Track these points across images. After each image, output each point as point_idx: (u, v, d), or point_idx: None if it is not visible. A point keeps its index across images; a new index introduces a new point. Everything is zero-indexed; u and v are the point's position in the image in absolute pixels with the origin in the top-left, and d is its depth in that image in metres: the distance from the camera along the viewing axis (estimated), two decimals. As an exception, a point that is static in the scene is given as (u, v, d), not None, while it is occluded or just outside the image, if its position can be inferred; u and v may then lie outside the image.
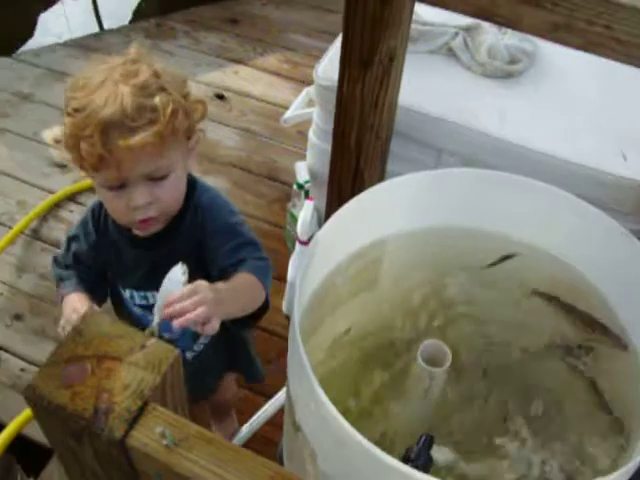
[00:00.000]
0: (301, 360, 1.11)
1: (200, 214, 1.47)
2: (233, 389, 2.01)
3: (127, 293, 1.57)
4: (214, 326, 1.22)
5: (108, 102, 1.23)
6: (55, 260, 1.56)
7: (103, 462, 0.84)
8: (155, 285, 1.51)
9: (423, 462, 1.23)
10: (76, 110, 1.26)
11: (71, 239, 1.54)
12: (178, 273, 1.27)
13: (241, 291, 1.39)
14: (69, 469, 0.95)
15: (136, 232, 1.46)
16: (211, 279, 1.46)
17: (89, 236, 1.51)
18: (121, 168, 1.26)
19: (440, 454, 1.38)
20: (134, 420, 0.77)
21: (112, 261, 1.53)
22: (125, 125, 1.23)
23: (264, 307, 1.46)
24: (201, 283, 1.25)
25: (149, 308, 1.51)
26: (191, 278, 1.48)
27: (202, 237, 1.46)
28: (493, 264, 1.54)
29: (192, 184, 1.48)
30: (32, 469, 2.00)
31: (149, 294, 1.55)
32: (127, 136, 1.22)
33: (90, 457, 0.85)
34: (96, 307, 1.36)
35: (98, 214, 1.50)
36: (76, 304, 1.41)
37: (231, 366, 1.84)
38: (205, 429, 0.77)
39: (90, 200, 1.60)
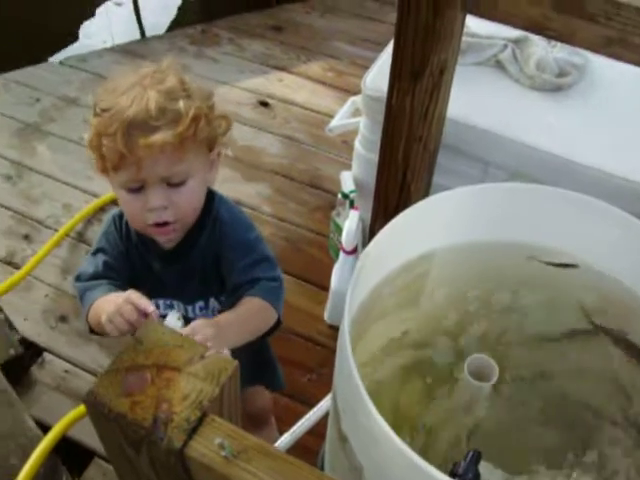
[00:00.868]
0: (351, 372, 1.10)
1: (219, 228, 1.48)
2: (264, 397, 2.01)
3: (152, 302, 1.57)
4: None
5: (134, 103, 1.26)
6: (78, 276, 1.52)
7: (159, 471, 0.85)
8: (179, 293, 1.55)
9: (471, 478, 1.22)
10: (103, 110, 1.29)
11: (97, 252, 1.52)
12: (173, 320, 1.28)
13: (248, 318, 1.42)
14: (123, 477, 0.96)
15: (158, 242, 1.47)
16: (225, 291, 1.51)
17: (117, 246, 1.51)
18: (140, 168, 1.28)
19: (487, 471, 1.37)
20: (193, 430, 0.78)
21: (137, 272, 1.54)
22: (147, 125, 1.25)
23: (276, 325, 1.48)
24: (198, 323, 1.26)
25: None
26: (209, 289, 1.54)
27: (220, 250, 1.48)
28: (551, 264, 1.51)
29: (211, 197, 1.49)
30: (74, 470, 2.03)
31: (174, 302, 1.57)
32: (148, 135, 1.25)
33: (146, 466, 0.86)
34: (136, 292, 1.29)
35: (120, 225, 1.51)
36: (114, 297, 1.32)
37: (253, 381, 1.85)
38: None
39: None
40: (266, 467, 0.76)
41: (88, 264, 1.51)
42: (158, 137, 1.25)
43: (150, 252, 1.50)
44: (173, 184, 1.33)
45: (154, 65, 1.38)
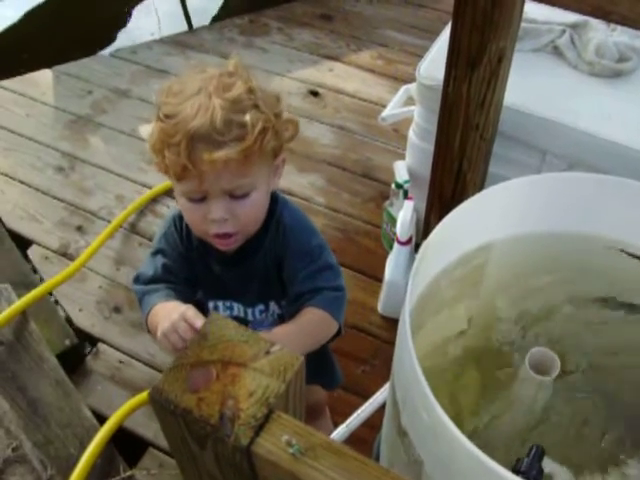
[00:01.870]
0: (412, 365, 1.09)
1: (281, 232, 1.44)
2: (319, 391, 2.00)
3: (211, 304, 1.57)
4: None
5: (199, 113, 1.21)
6: (137, 278, 1.49)
7: (224, 467, 0.85)
8: (239, 296, 1.53)
9: (535, 475, 1.20)
10: (167, 116, 1.25)
11: (156, 253, 1.50)
12: None
13: (308, 330, 1.39)
14: (186, 471, 0.95)
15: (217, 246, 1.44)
16: (287, 297, 1.49)
17: (176, 248, 1.49)
18: (203, 181, 1.24)
19: (550, 467, 1.35)
20: (260, 427, 0.77)
21: (197, 273, 1.52)
22: (212, 138, 1.21)
23: (336, 334, 1.46)
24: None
25: (233, 319, 1.50)
26: (270, 292, 1.51)
27: (282, 255, 1.45)
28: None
29: (275, 201, 1.45)
30: (130, 460, 2.04)
31: (235, 304, 1.55)
32: (212, 150, 1.20)
33: (211, 462, 0.85)
34: (193, 308, 1.25)
35: (180, 227, 1.48)
36: (171, 309, 1.28)
37: (311, 381, 1.81)
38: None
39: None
40: (334, 465, 0.75)
41: (147, 266, 1.49)
42: (222, 153, 1.20)
43: (211, 255, 1.48)
44: (236, 196, 1.30)
45: (220, 68, 1.32)
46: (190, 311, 1.21)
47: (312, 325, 1.40)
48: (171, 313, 1.23)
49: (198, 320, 1.19)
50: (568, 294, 1.59)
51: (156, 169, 1.33)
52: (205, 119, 1.21)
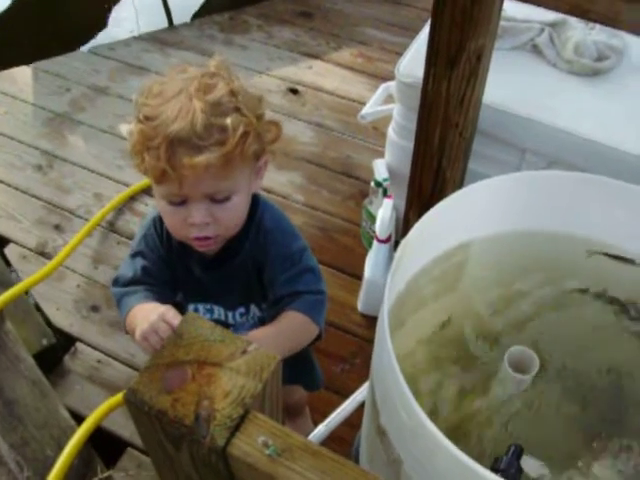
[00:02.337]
0: (392, 366, 1.08)
1: (262, 235, 1.43)
2: (300, 391, 2.00)
3: (192, 307, 1.55)
4: None
5: (179, 116, 1.19)
6: (116, 280, 1.47)
7: (200, 468, 0.84)
8: (220, 299, 1.52)
9: (513, 473, 1.20)
10: (147, 118, 1.22)
11: (136, 255, 1.48)
12: None
13: (287, 333, 1.37)
14: (162, 473, 0.94)
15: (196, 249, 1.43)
16: (267, 300, 1.48)
17: (156, 250, 1.47)
18: (183, 185, 1.22)
19: (529, 465, 1.35)
20: (236, 428, 0.76)
21: (178, 275, 1.50)
22: (192, 143, 1.18)
23: (316, 338, 1.45)
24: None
25: (213, 322, 1.49)
26: (251, 295, 1.50)
27: (263, 259, 1.43)
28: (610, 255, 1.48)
29: (256, 203, 1.44)
30: (108, 460, 2.02)
31: (215, 307, 1.54)
32: (192, 154, 1.18)
33: (187, 462, 0.84)
34: (172, 309, 1.23)
35: (160, 229, 1.46)
36: (150, 310, 1.26)
37: (292, 382, 1.81)
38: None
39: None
40: (311, 466, 0.74)
41: (126, 268, 1.47)
42: (202, 158, 1.18)
43: (191, 257, 1.46)
44: (217, 200, 1.28)
45: (201, 68, 1.29)
46: (170, 312, 1.19)
47: (291, 328, 1.38)
48: (150, 314, 1.21)
49: (177, 321, 1.18)
50: (548, 292, 1.59)
51: (136, 170, 1.30)
52: (185, 122, 1.18)
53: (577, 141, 1.85)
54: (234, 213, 1.33)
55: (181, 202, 1.27)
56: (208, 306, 1.54)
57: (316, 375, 1.89)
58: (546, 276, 1.57)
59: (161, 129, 1.19)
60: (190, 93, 1.22)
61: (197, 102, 1.20)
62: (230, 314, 1.54)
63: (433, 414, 1.51)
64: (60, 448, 1.81)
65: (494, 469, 1.23)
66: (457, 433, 1.53)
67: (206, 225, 1.29)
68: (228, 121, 1.21)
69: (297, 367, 1.65)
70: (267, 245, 1.42)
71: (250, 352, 0.82)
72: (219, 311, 1.54)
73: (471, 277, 1.56)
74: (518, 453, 1.24)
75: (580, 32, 2.02)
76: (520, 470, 1.23)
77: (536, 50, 2.08)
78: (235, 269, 1.45)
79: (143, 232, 1.48)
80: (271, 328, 1.36)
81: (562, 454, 1.50)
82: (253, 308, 1.53)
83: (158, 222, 1.45)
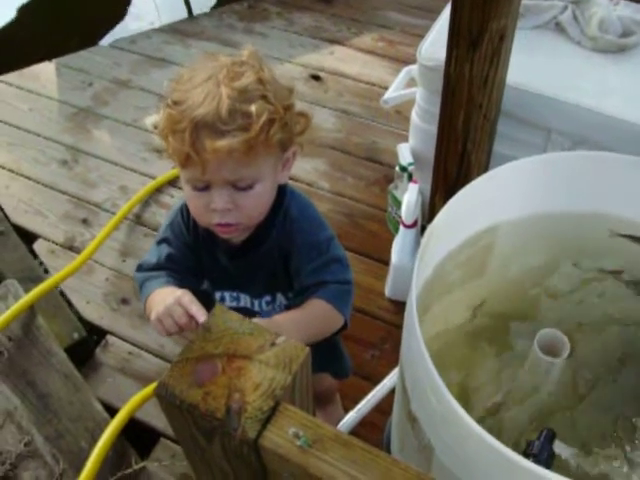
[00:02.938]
0: (420, 352, 1.08)
1: (289, 224, 1.43)
2: (329, 379, 2.00)
3: (218, 295, 1.56)
4: None
5: (205, 101, 1.20)
6: (140, 266, 1.49)
7: (232, 460, 0.84)
8: (245, 287, 1.52)
9: (546, 458, 1.19)
10: (175, 102, 1.24)
11: (161, 242, 1.49)
12: None
13: (310, 320, 1.37)
14: (195, 465, 0.95)
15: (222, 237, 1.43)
16: (293, 289, 1.48)
17: (182, 237, 1.48)
18: (206, 170, 1.23)
19: (561, 450, 1.34)
20: (267, 420, 0.77)
21: (204, 263, 1.51)
22: (216, 127, 1.19)
23: (342, 328, 1.44)
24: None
25: (239, 310, 1.49)
26: (277, 284, 1.50)
27: (290, 247, 1.43)
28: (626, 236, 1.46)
29: (283, 192, 1.44)
30: (142, 451, 2.04)
31: (241, 295, 1.54)
32: (215, 138, 1.19)
33: (219, 455, 0.85)
34: (189, 294, 1.25)
35: (187, 216, 1.47)
36: (167, 294, 1.29)
37: (321, 370, 1.81)
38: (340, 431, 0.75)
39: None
40: (342, 456, 0.74)
41: (151, 254, 1.48)
42: (225, 143, 1.19)
43: (217, 245, 1.46)
44: (239, 187, 1.28)
45: (233, 57, 1.30)
46: (186, 296, 1.21)
47: (314, 315, 1.38)
48: (166, 298, 1.23)
49: (193, 306, 1.19)
50: (575, 273, 1.58)
51: (166, 155, 1.31)
52: (211, 107, 1.19)
53: (603, 120, 1.82)
54: (257, 201, 1.33)
55: (204, 187, 1.28)
56: (234, 294, 1.55)
57: (344, 363, 1.89)
58: (573, 258, 1.56)
59: (187, 113, 1.21)
60: (218, 80, 1.23)
61: (224, 88, 1.21)
62: (256, 302, 1.54)
63: (463, 399, 1.50)
64: (94, 440, 1.83)
65: (526, 454, 1.22)
66: (487, 420, 1.52)
67: (228, 211, 1.30)
68: (253, 108, 1.21)
69: (325, 355, 1.65)
70: (293, 234, 1.42)
71: (279, 344, 0.82)
72: (245, 299, 1.54)
73: (498, 261, 1.55)
74: (550, 437, 1.24)
75: (604, 8, 1.99)
76: (552, 454, 1.22)
77: (559, 28, 2.05)
78: (261, 257, 1.45)
79: (170, 220, 1.49)
80: (294, 313, 1.36)
81: (594, 438, 1.49)
82: (279, 296, 1.53)
83: (185, 210, 1.46)
